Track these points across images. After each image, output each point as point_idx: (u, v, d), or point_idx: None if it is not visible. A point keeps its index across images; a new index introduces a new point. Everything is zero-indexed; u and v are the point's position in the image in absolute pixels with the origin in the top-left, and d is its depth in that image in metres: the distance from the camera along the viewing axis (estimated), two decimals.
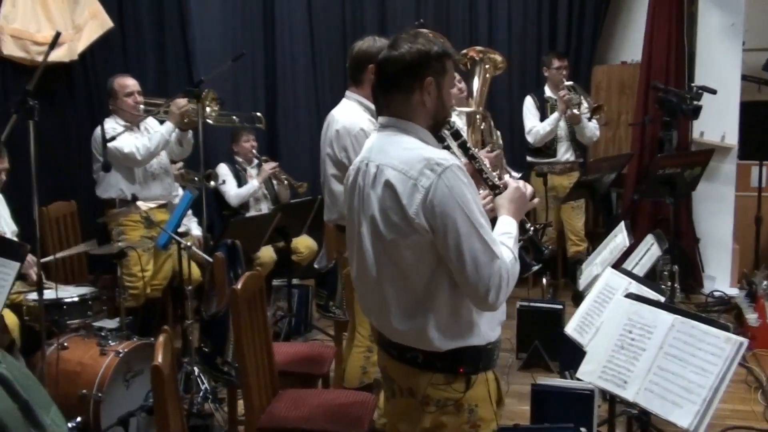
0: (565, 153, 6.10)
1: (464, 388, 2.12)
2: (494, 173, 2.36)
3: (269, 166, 5.99)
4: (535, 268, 2.53)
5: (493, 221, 2.24)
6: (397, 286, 2.09)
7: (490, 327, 2.16)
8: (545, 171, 6.10)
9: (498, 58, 4.70)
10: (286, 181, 6.09)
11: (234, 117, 5.20)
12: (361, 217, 2.15)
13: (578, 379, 2.66)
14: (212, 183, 5.62)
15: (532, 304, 4.92)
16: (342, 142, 3.59)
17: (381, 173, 2.07)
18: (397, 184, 2.02)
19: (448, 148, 2.40)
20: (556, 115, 5.96)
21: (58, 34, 3.22)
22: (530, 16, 6.92)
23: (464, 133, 2.43)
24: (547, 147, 6.10)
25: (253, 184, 5.93)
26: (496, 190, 2.29)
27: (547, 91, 6.17)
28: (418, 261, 2.04)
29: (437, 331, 2.07)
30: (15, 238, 4.31)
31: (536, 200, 2.41)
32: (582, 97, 6.05)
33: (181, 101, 4.74)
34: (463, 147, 2.34)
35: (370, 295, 2.20)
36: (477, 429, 2.15)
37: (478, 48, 4.82)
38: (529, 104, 6.18)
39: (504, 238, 2.12)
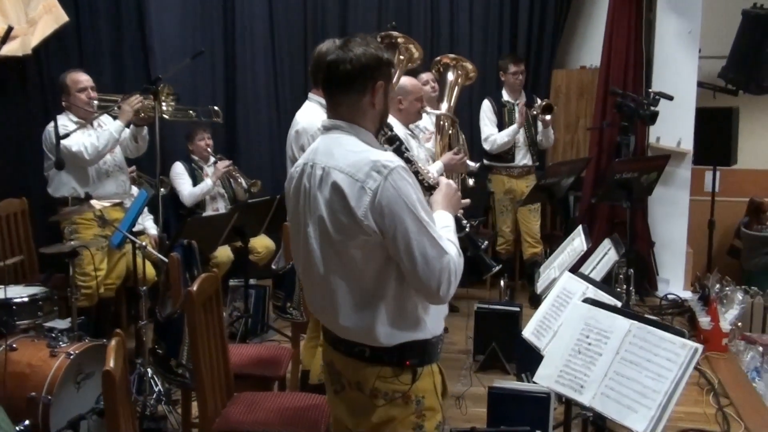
0: (522, 159, 6.12)
1: (411, 380, 2.17)
2: (430, 175, 2.47)
3: (223, 165, 5.91)
4: (496, 269, 2.54)
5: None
6: (345, 284, 2.12)
7: (436, 320, 2.23)
8: (503, 174, 6.13)
9: (469, 66, 4.75)
10: (240, 179, 6.01)
11: (191, 111, 5.12)
12: (307, 218, 2.17)
13: (534, 382, 2.66)
14: (162, 190, 5.55)
15: (489, 306, 4.92)
16: (300, 141, 3.63)
17: (328, 175, 2.09)
18: (345, 186, 2.04)
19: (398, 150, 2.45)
20: (514, 127, 5.94)
21: (10, 29, 3.15)
22: (491, 20, 6.94)
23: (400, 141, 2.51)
24: (506, 152, 6.10)
25: (207, 183, 5.85)
26: (431, 190, 2.38)
27: (505, 95, 6.17)
28: (366, 260, 2.08)
29: (385, 326, 2.11)
30: None
31: (467, 201, 2.54)
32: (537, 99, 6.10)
33: (134, 99, 4.65)
34: (398, 151, 2.41)
35: (317, 292, 2.23)
36: (423, 419, 2.21)
37: (452, 55, 4.88)
38: (486, 108, 6.15)
39: (445, 231, 2.17)
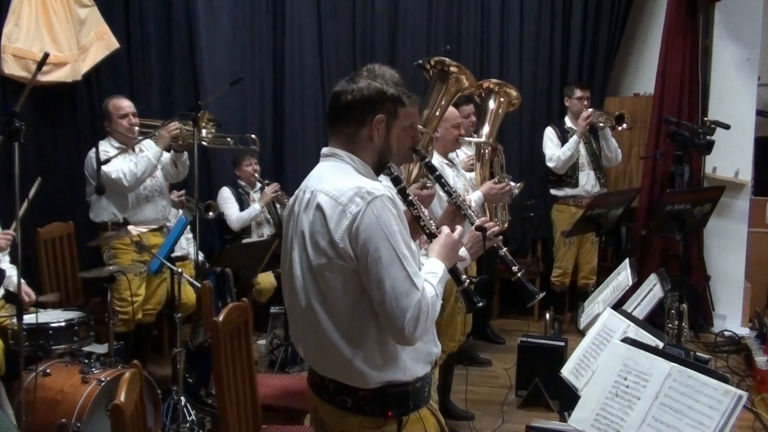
0: (587, 181, 5.97)
1: (396, 430, 2.11)
2: (431, 221, 2.38)
3: (271, 190, 5.92)
4: (540, 296, 2.45)
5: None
6: (325, 316, 2.07)
7: (415, 361, 2.14)
8: (570, 205, 5.99)
9: (513, 93, 4.62)
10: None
11: (228, 139, 5.11)
12: (293, 242, 2.14)
13: None
14: (210, 214, 5.56)
15: (534, 339, 4.78)
16: None
17: (314, 198, 2.08)
18: (327, 208, 2.03)
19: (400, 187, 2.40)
20: (575, 138, 5.83)
21: (46, 56, 3.15)
22: (542, 47, 6.84)
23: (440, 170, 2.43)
24: (568, 176, 5.98)
25: (255, 207, 5.86)
26: (432, 238, 2.30)
27: (568, 122, 6.06)
28: (343, 288, 2.04)
29: (364, 363, 2.05)
30: (7, 257, 4.24)
31: (496, 229, 2.54)
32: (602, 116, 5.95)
33: (172, 125, 4.67)
34: (402, 193, 2.37)
35: (299, 324, 2.19)
36: None
37: (495, 80, 4.74)
38: (550, 134, 6.07)
39: (429, 276, 2.11)
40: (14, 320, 3.74)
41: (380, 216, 1.98)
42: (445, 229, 2.30)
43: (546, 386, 4.58)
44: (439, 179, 2.49)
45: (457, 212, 2.62)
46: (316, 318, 2.07)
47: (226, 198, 5.92)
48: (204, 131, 4.59)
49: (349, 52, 6.95)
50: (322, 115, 6.89)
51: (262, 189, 6.03)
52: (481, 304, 2.27)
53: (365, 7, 6.89)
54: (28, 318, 3.51)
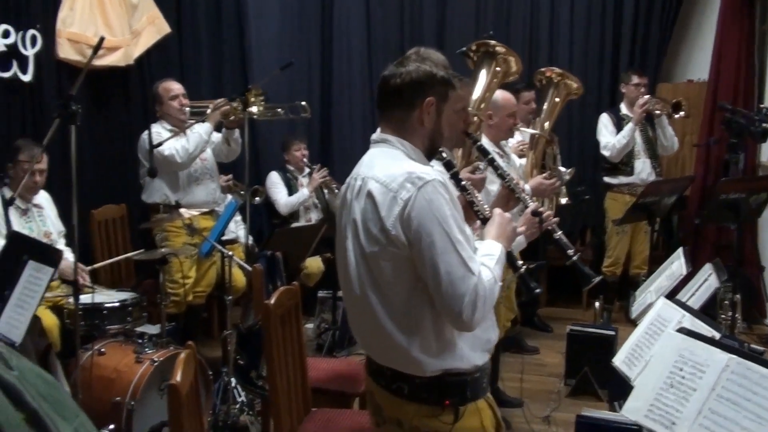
0: (643, 169, 5.88)
1: (453, 420, 2.07)
2: (485, 206, 2.33)
3: (320, 175, 5.94)
4: (596, 279, 2.41)
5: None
6: (379, 304, 2.05)
7: (472, 349, 2.11)
8: (625, 193, 5.91)
9: (574, 84, 4.55)
10: (336, 190, 6.03)
11: (279, 109, 5.10)
12: (346, 230, 2.12)
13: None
14: (257, 199, 5.59)
15: (583, 328, 4.73)
16: None
17: (365, 185, 2.06)
18: (378, 195, 2.01)
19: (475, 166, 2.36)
20: (630, 125, 5.73)
21: (101, 40, 3.19)
22: (593, 32, 6.73)
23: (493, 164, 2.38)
24: (624, 163, 5.88)
25: (303, 192, 5.89)
26: (486, 223, 2.27)
27: (623, 109, 5.95)
28: (396, 276, 2.01)
29: (420, 351, 2.03)
30: (63, 238, 4.34)
31: (535, 228, 2.42)
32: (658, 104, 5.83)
33: (220, 100, 4.70)
34: (455, 178, 2.32)
35: (355, 314, 2.18)
36: None
37: (558, 70, 4.67)
38: (605, 121, 5.96)
39: (485, 259, 2.08)
40: (70, 299, 3.83)
41: (432, 201, 1.95)
42: (498, 211, 2.26)
43: (595, 375, 4.53)
44: (492, 162, 2.46)
45: (510, 195, 2.58)
46: (371, 306, 2.06)
47: (275, 182, 5.96)
48: (254, 108, 4.60)
49: (396, 37, 6.91)
50: (369, 100, 6.88)
51: (310, 174, 6.04)
52: (538, 290, 2.25)
53: None
54: (84, 298, 3.59)
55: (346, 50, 6.81)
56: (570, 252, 2.43)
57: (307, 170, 6.10)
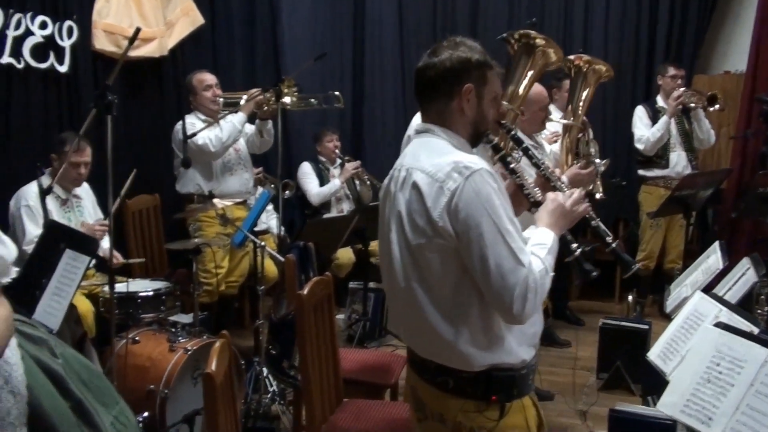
0: (678, 162, 5.80)
1: (498, 416, 2.02)
2: (536, 189, 2.25)
3: (352, 166, 5.95)
4: (636, 267, 2.34)
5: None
6: (425, 297, 2.00)
7: (520, 343, 2.05)
8: (660, 186, 5.84)
9: (603, 68, 4.48)
10: (368, 181, 6.04)
11: (312, 99, 5.11)
12: (390, 222, 2.09)
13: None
14: (287, 192, 5.60)
15: (616, 322, 4.69)
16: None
17: (410, 176, 2.01)
18: (424, 186, 1.96)
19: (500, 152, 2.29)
20: (665, 118, 5.65)
21: (137, 30, 3.21)
22: (628, 22, 6.63)
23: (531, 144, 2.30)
24: (659, 156, 5.81)
25: (335, 183, 5.90)
26: (537, 206, 2.20)
27: (660, 101, 5.87)
28: (443, 268, 1.96)
29: (468, 345, 1.98)
30: None
31: (584, 206, 2.24)
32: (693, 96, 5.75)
33: (253, 91, 4.73)
34: (503, 160, 2.24)
35: (399, 307, 2.14)
36: None
37: (585, 57, 4.61)
38: (640, 113, 5.89)
39: (536, 248, 2.02)
40: (106, 288, 3.88)
41: (480, 191, 1.89)
42: (551, 194, 2.19)
43: (628, 369, 4.49)
44: (527, 151, 2.41)
45: (546, 185, 2.51)
46: (417, 300, 2.01)
47: (307, 173, 5.98)
48: (288, 98, 4.62)
49: (429, 26, 6.90)
50: (401, 90, 6.88)
51: (342, 165, 6.06)
52: (595, 273, 2.16)
53: None
54: (119, 287, 3.63)
55: (377, 40, 6.81)
56: (609, 239, 2.35)
57: (338, 161, 6.12)
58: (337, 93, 5.29)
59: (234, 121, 4.72)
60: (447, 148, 2.03)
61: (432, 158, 1.99)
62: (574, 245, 2.17)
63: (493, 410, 2.01)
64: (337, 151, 6.09)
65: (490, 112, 2.13)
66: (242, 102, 4.76)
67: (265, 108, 4.79)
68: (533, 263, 1.93)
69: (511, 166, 2.23)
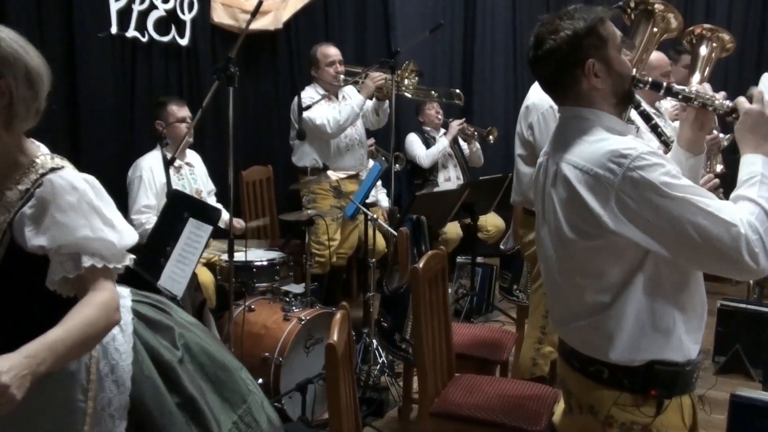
0: None
1: (654, 413, 1.87)
2: (717, 100, 1.98)
3: (457, 123, 5.97)
4: None
5: None
6: (584, 292, 1.89)
7: (693, 338, 1.89)
8: None
9: (726, 37, 4.28)
10: (475, 134, 6.02)
11: (433, 92, 5.14)
12: (545, 219, 1.98)
13: None
14: (397, 165, 5.63)
15: (736, 304, 4.52)
16: (529, 118, 3.39)
17: (560, 170, 1.88)
18: (581, 182, 1.81)
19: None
20: None
21: (260, 3, 3.26)
22: None
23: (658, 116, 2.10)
24: None
25: (443, 142, 5.96)
26: (732, 114, 1.92)
27: None
28: (605, 265, 1.84)
29: (629, 340, 1.84)
30: (213, 197, 4.50)
31: (716, 181, 2.11)
32: None
33: (377, 74, 4.74)
34: (671, 93, 2.02)
35: (556, 301, 2.03)
36: None
37: (707, 26, 4.42)
38: (767, 81, 5.62)
39: (744, 189, 1.79)
40: (223, 257, 3.99)
41: (643, 177, 1.73)
42: (744, 103, 1.90)
43: (747, 354, 4.33)
44: (656, 128, 2.28)
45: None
46: (575, 294, 1.91)
47: (413, 142, 6.01)
48: (406, 81, 4.63)
49: None
50: (512, 61, 6.81)
51: (446, 132, 6.06)
52: None
53: None
54: (236, 256, 3.72)
55: (489, 10, 6.74)
56: None
57: (442, 130, 6.13)
58: (458, 91, 5.35)
59: (353, 104, 4.79)
60: (598, 134, 1.88)
61: (583, 149, 1.85)
62: None
63: (650, 406, 1.88)
64: (439, 117, 6.10)
65: (624, 65, 1.94)
66: (364, 81, 4.79)
67: (385, 92, 4.83)
68: (744, 212, 1.73)
69: (682, 95, 2.01)
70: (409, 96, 4.87)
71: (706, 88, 2.57)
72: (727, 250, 1.69)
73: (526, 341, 3.58)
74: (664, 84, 2.01)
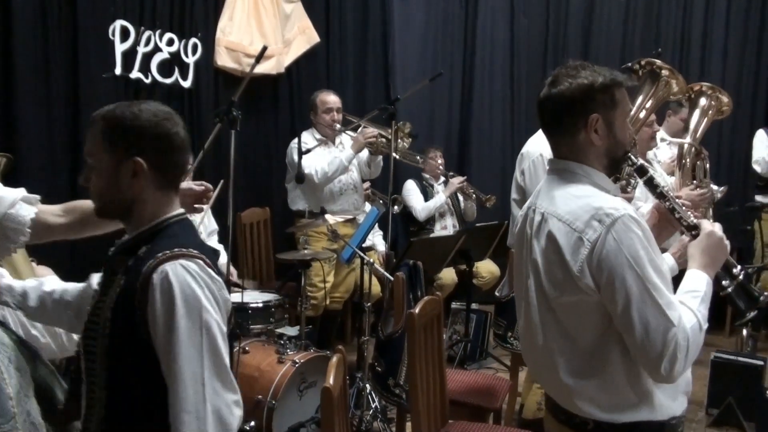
0: None
1: None
2: (689, 212, 2.07)
3: (457, 180, 5.98)
4: (750, 315, 2.18)
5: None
6: (563, 348, 1.90)
7: (670, 397, 1.90)
8: None
9: (725, 99, 4.39)
10: (474, 195, 6.05)
11: (418, 158, 5.41)
12: (527, 270, 1.99)
13: None
14: (396, 208, 5.66)
15: (729, 356, 4.52)
16: (522, 165, 3.57)
17: (545, 222, 1.91)
18: (561, 236, 1.85)
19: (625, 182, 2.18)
20: None
21: (264, 48, 3.31)
22: (749, 49, 6.47)
23: (651, 170, 2.16)
24: None
25: (440, 197, 5.95)
26: (693, 231, 2.02)
27: None
28: (583, 321, 1.86)
29: (607, 399, 1.86)
30: (215, 236, 4.51)
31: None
32: None
33: (369, 130, 4.82)
34: (650, 184, 2.07)
35: (535, 353, 2.02)
36: None
37: (708, 84, 4.53)
38: (761, 137, 5.77)
39: (688, 298, 1.86)
40: None
41: (622, 241, 1.76)
42: (706, 227, 1.99)
43: (740, 406, 4.32)
44: (652, 182, 2.28)
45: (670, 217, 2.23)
46: (555, 350, 1.92)
47: (411, 190, 6.02)
48: (400, 141, 4.72)
49: (540, 49, 6.88)
50: (510, 110, 6.86)
51: (446, 182, 6.09)
52: (764, 296, 1.99)
53: (559, 4, 6.80)
54: (232, 297, 3.72)
55: (488, 61, 6.82)
56: (736, 271, 2.11)
57: (442, 178, 6.15)
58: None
59: (343, 158, 4.85)
60: (584, 190, 1.91)
61: (568, 202, 1.89)
62: (737, 268, 2.00)
63: None
64: (441, 167, 6.13)
65: (625, 134, 1.98)
66: (357, 134, 4.89)
67: (375, 148, 4.92)
68: (684, 318, 1.79)
69: (660, 189, 2.07)
70: (397, 157, 4.94)
71: (692, 195, 2.70)
72: (656, 345, 1.75)
73: (535, 385, 3.67)
74: (649, 173, 2.08)
